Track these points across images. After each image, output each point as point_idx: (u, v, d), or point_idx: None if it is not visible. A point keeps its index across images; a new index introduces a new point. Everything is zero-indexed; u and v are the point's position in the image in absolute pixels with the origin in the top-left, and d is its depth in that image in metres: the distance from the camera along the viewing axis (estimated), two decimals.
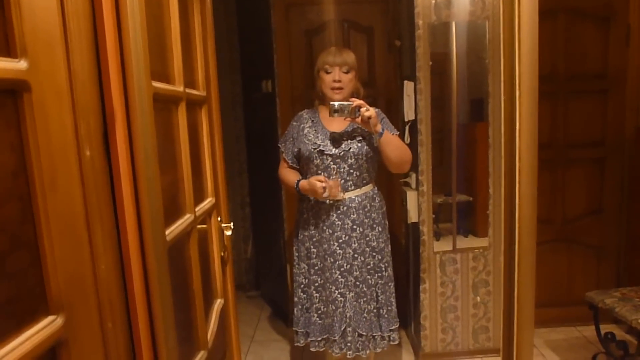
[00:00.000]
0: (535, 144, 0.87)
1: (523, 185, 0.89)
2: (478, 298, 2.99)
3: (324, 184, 2.22)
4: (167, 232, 1.17)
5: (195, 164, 1.53)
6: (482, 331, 3.03)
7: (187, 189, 1.40)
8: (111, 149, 0.88)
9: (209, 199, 1.68)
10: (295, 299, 2.49)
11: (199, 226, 1.53)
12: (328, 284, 2.35)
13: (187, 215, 1.39)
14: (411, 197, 2.93)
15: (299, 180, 2.37)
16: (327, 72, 2.30)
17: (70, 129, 0.76)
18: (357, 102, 2.15)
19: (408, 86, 2.89)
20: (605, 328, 2.78)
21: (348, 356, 2.36)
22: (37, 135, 0.68)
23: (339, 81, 2.29)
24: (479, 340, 3.04)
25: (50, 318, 0.72)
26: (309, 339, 2.42)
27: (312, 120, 2.41)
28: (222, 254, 1.81)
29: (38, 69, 0.69)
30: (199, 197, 1.55)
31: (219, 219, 1.78)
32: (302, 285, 2.47)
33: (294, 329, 2.50)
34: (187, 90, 1.41)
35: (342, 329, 2.33)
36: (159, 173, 1.06)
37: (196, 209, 1.47)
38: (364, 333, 2.34)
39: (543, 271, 3.28)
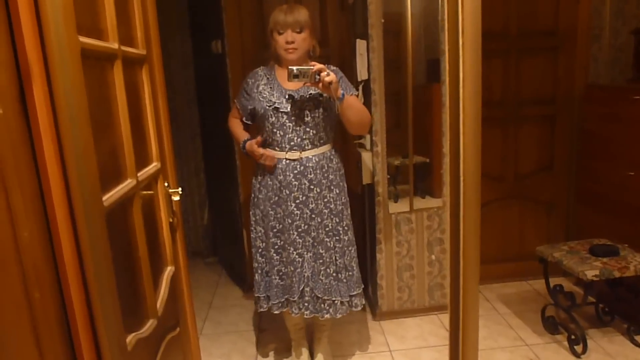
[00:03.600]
0: (478, 92, 0.85)
1: (467, 136, 0.87)
2: (433, 256, 3.04)
3: (261, 151, 2.29)
4: (104, 198, 1.11)
5: (137, 126, 1.46)
6: (437, 288, 3.10)
7: (127, 153, 1.33)
8: (29, 108, 0.81)
9: (153, 164, 1.61)
10: (255, 264, 2.47)
11: (144, 192, 1.47)
12: (287, 245, 2.33)
13: (129, 180, 1.33)
14: (366, 158, 2.92)
15: (245, 140, 2.37)
16: (280, 33, 2.23)
17: None
18: (317, 66, 2.09)
19: (360, 45, 2.84)
20: (554, 281, 2.89)
21: (305, 316, 2.36)
22: None
23: (292, 42, 2.22)
24: (435, 297, 3.11)
25: None
26: (271, 303, 2.40)
27: (268, 78, 2.35)
28: (171, 220, 1.75)
29: None
30: (142, 162, 1.48)
31: (166, 184, 1.72)
32: (260, 250, 2.44)
33: (255, 295, 2.48)
34: (124, 48, 1.33)
35: (300, 289, 2.33)
36: (89, 133, 0.99)
37: (139, 174, 1.41)
38: (320, 295, 2.35)
39: (496, 228, 3.36)
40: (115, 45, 1.27)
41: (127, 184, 1.31)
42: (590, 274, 2.44)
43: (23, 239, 0.79)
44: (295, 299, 2.33)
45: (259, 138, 2.33)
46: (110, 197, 1.15)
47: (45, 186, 0.85)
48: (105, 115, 1.22)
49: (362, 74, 2.85)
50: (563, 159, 3.40)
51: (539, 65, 3.27)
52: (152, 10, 1.69)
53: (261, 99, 2.29)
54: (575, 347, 2.61)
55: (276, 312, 2.41)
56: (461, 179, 0.90)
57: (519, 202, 3.42)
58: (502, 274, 3.43)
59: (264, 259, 2.44)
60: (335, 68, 2.32)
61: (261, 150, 2.29)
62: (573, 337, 2.62)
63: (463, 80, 0.84)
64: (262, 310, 2.46)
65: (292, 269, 2.33)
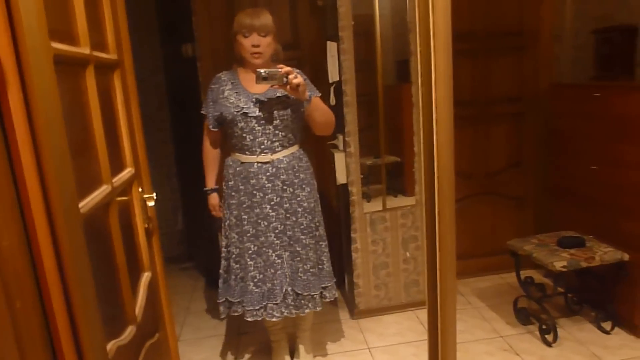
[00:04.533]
0: (450, 92, 0.88)
1: (440, 135, 0.90)
2: (408, 253, 3.09)
3: (214, 213, 2.58)
4: (81, 204, 1.10)
5: (111, 132, 1.45)
6: (413, 285, 3.14)
7: (102, 159, 1.33)
8: (4, 115, 0.80)
9: (128, 169, 1.60)
10: (221, 270, 2.47)
11: (119, 198, 1.46)
12: (264, 249, 2.33)
13: (104, 187, 1.32)
14: (339, 158, 2.94)
15: (212, 190, 2.57)
16: (245, 37, 2.23)
17: None
18: (285, 69, 2.10)
19: (331, 47, 2.87)
20: (526, 273, 2.96)
21: (293, 315, 2.38)
22: None
23: (258, 46, 2.23)
24: (411, 293, 3.15)
25: None
26: (246, 309, 2.38)
27: (232, 83, 2.35)
28: (147, 225, 1.74)
29: None
30: (116, 167, 1.47)
31: (140, 189, 1.71)
32: (233, 256, 2.43)
33: (226, 300, 2.46)
34: (95, 53, 1.32)
35: (284, 291, 2.33)
36: (66, 140, 0.99)
37: (114, 180, 1.40)
38: (300, 292, 2.36)
39: (468, 224, 3.42)
40: (87, 51, 1.27)
41: (103, 190, 1.30)
42: (559, 265, 2.52)
43: (3, 248, 0.78)
44: (278, 302, 2.33)
45: (219, 205, 2.55)
46: (86, 203, 1.15)
47: (22, 194, 0.84)
48: (79, 120, 1.21)
49: (333, 75, 2.88)
50: (531, 156, 3.49)
51: (506, 65, 3.36)
52: (122, 15, 1.68)
53: (228, 104, 2.29)
54: (546, 336, 2.68)
55: (250, 319, 2.36)
56: (435, 176, 0.93)
57: (490, 198, 3.50)
58: (475, 269, 3.50)
59: (238, 265, 2.42)
60: (298, 71, 2.33)
61: (215, 214, 2.58)
62: (544, 326, 2.70)
63: (436, 82, 0.87)
64: (236, 314, 2.44)
65: (273, 271, 2.33)
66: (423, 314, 3.11)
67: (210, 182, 2.55)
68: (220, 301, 2.49)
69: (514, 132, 3.47)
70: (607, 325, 2.76)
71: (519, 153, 3.50)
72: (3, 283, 0.78)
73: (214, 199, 2.55)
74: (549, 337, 2.67)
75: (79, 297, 0.98)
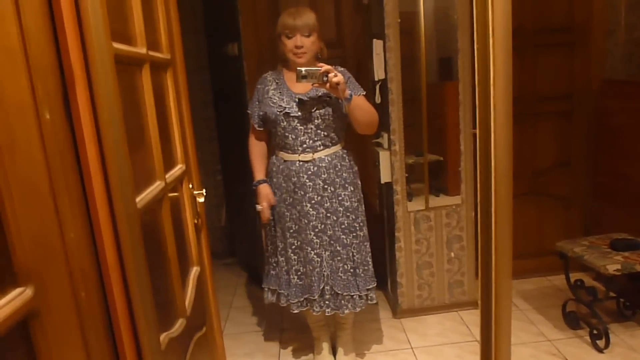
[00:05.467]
0: (509, 91, 0.86)
1: (498, 134, 0.89)
2: (452, 253, 3.05)
3: (264, 205, 2.44)
4: (137, 199, 1.13)
5: (163, 129, 1.49)
6: (457, 285, 3.10)
7: (156, 155, 1.36)
8: (73, 112, 0.83)
9: (179, 166, 1.64)
10: (270, 259, 2.51)
11: (171, 194, 1.50)
12: (304, 245, 2.35)
13: (158, 182, 1.36)
14: (383, 157, 2.93)
15: (260, 181, 2.47)
16: (288, 37, 2.25)
17: (26, 90, 0.71)
18: (325, 67, 2.11)
19: (377, 44, 2.85)
20: (574, 276, 2.88)
21: (327, 314, 2.39)
22: None
23: (301, 46, 2.24)
24: (454, 294, 3.11)
25: (19, 290, 0.69)
26: (291, 301, 2.42)
27: (277, 83, 2.37)
28: (196, 221, 1.78)
29: None
30: (168, 164, 1.51)
31: (190, 186, 1.74)
32: (279, 249, 2.47)
33: (262, 286, 2.51)
34: (151, 53, 1.36)
35: (321, 288, 2.35)
36: (125, 136, 1.02)
37: (166, 176, 1.43)
38: (340, 292, 2.37)
39: (514, 224, 3.33)
40: (144, 50, 1.30)
41: (157, 186, 1.33)
42: (612, 268, 2.43)
43: (70, 240, 0.81)
44: (316, 297, 2.36)
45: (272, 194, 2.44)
46: (142, 198, 1.18)
47: (88, 189, 0.87)
48: (135, 118, 1.24)
49: (379, 73, 2.86)
50: (580, 155, 3.39)
51: (555, 61, 3.26)
52: (175, 16, 1.72)
53: (271, 104, 2.32)
54: (597, 341, 2.60)
55: (295, 311, 2.43)
56: (493, 177, 0.91)
57: (537, 198, 3.41)
58: (521, 270, 3.42)
59: (283, 259, 2.46)
60: (342, 69, 2.33)
61: (264, 204, 2.44)
62: (595, 331, 2.61)
63: (494, 79, 0.85)
64: (283, 304, 2.47)
65: (311, 268, 2.35)
66: (467, 315, 3.07)
67: (260, 174, 2.49)
68: (265, 288, 2.52)
69: (563, 130, 3.37)
70: None
71: (567, 152, 3.40)
72: (69, 274, 0.81)
73: (265, 188, 2.44)
74: (600, 343, 2.59)
75: (137, 290, 1.01)
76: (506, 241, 0.93)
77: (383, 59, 2.80)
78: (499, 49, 0.86)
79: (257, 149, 2.52)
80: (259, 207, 2.46)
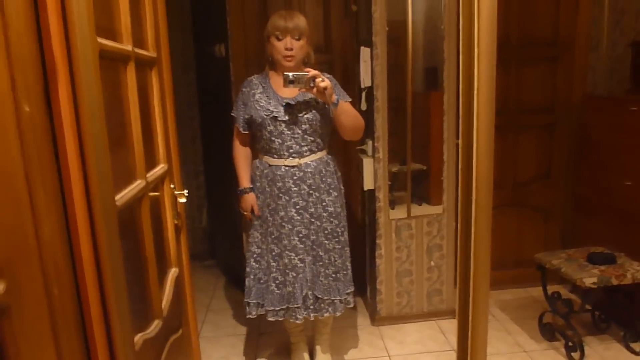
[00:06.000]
0: (492, 102, 0.87)
1: (480, 143, 0.89)
2: (432, 262, 3.06)
3: (247, 212, 2.45)
4: (117, 197, 1.12)
5: (146, 128, 1.47)
6: (435, 294, 3.11)
7: (138, 154, 1.35)
8: (53, 106, 0.82)
9: (161, 165, 1.62)
10: (247, 269, 2.46)
11: (151, 193, 1.48)
12: (287, 252, 2.33)
13: (138, 181, 1.34)
14: (367, 164, 2.94)
15: (245, 190, 2.45)
16: (279, 39, 2.24)
17: (5, 80, 0.70)
18: (312, 72, 2.11)
19: (364, 52, 2.86)
20: (551, 288, 2.90)
21: (311, 318, 2.38)
22: None
23: (291, 49, 2.23)
24: (433, 302, 3.12)
25: None
26: (267, 309, 2.39)
27: (263, 86, 2.36)
28: (176, 222, 1.76)
29: None
30: (150, 163, 1.50)
31: (172, 186, 1.73)
32: (254, 255, 2.44)
33: (245, 300, 2.47)
34: (136, 50, 1.35)
35: (304, 294, 2.33)
36: (106, 133, 1.01)
37: (147, 175, 1.42)
38: (320, 296, 2.36)
39: (493, 235, 3.31)
40: (129, 47, 1.29)
41: (137, 185, 1.32)
42: (589, 281, 2.46)
43: (44, 235, 0.80)
44: (299, 304, 2.33)
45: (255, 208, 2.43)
46: (122, 197, 1.16)
47: (66, 184, 0.86)
48: (118, 115, 1.23)
49: (365, 81, 2.88)
50: (561, 167, 3.43)
51: (539, 75, 3.31)
52: (162, 14, 1.71)
53: (258, 108, 2.30)
54: (572, 353, 2.63)
55: (271, 319, 2.39)
56: (474, 186, 0.92)
57: (517, 209, 3.45)
58: (499, 281, 3.44)
59: (258, 265, 2.43)
60: (329, 76, 2.33)
61: (247, 212, 2.44)
62: (570, 344, 2.64)
63: (478, 90, 0.86)
64: (250, 316, 2.44)
65: (294, 274, 2.34)
66: (445, 323, 3.08)
67: (245, 182, 2.46)
68: (248, 302, 2.48)
69: (544, 143, 3.41)
70: (636, 346, 2.69)
71: (548, 164, 3.44)
72: (42, 270, 0.80)
73: (251, 198, 2.42)
74: (575, 355, 2.61)
75: (112, 288, 1.00)
76: (484, 250, 0.94)
77: (370, 66, 2.82)
78: (484, 61, 0.87)
79: (241, 154, 2.49)
80: (245, 213, 2.47)
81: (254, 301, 2.43)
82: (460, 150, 0.97)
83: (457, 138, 2.82)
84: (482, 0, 0.93)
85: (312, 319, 2.39)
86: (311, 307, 2.36)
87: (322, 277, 2.37)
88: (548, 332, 2.84)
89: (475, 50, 0.90)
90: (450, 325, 3.07)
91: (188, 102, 3.96)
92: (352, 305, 2.51)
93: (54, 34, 0.80)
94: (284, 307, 2.37)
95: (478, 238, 0.94)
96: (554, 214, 3.49)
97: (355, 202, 3.37)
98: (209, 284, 3.79)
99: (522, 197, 3.45)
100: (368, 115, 2.85)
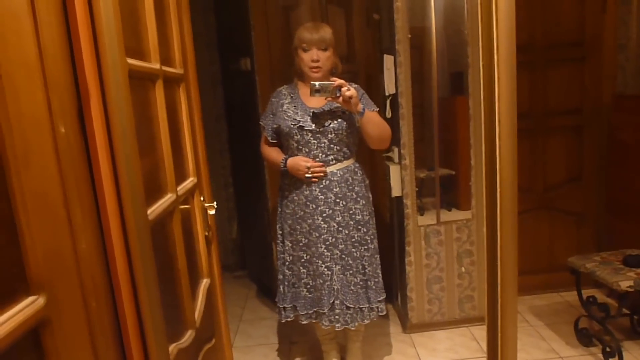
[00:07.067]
0: (514, 108, 0.87)
1: (503, 149, 0.90)
2: (463, 268, 3.03)
3: (308, 164, 2.29)
4: (149, 211, 1.16)
5: (175, 143, 1.51)
6: (467, 300, 3.08)
7: (168, 168, 1.38)
8: (87, 126, 0.86)
9: (190, 179, 1.66)
10: (280, 276, 2.50)
11: (182, 206, 1.52)
12: (314, 259, 2.36)
13: (169, 195, 1.38)
14: (394, 171, 2.94)
15: (285, 158, 2.38)
16: (305, 51, 2.28)
17: (42, 104, 0.74)
18: (338, 82, 2.14)
19: (388, 60, 2.88)
20: (586, 292, 2.85)
21: (336, 329, 2.38)
22: (7, 110, 0.66)
23: (317, 60, 2.27)
24: (465, 309, 3.09)
25: (31, 298, 0.70)
26: (300, 313, 2.43)
27: (291, 97, 2.40)
28: (207, 233, 1.80)
29: (6, 42, 0.67)
30: (180, 177, 1.53)
31: (201, 198, 1.77)
32: (287, 263, 2.47)
33: (279, 306, 2.51)
34: (164, 68, 1.39)
35: (331, 302, 2.35)
36: (137, 150, 1.04)
37: (178, 189, 1.45)
38: (351, 305, 2.37)
39: (525, 239, 3.33)
40: (157, 66, 1.33)
41: (168, 198, 1.36)
42: (625, 284, 2.41)
43: (81, 250, 0.83)
44: (325, 311, 2.35)
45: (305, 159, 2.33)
46: (153, 210, 1.20)
47: (100, 200, 0.89)
48: (148, 132, 1.27)
49: (389, 88, 2.89)
50: (592, 170, 3.37)
51: (566, 76, 3.26)
52: (188, 31, 1.76)
53: (286, 117, 2.34)
54: (610, 359, 2.56)
55: (304, 322, 2.44)
56: (498, 191, 0.92)
57: (548, 213, 3.39)
58: (532, 286, 3.39)
59: (290, 272, 2.47)
60: (356, 85, 2.36)
61: (309, 163, 2.29)
62: (608, 349, 2.58)
63: (499, 96, 0.87)
64: (287, 319, 2.49)
65: (321, 281, 2.36)
66: (477, 330, 3.04)
67: (279, 157, 2.41)
68: (280, 307, 2.52)
69: (574, 145, 3.36)
70: None
71: (578, 167, 3.38)
72: (81, 284, 0.83)
73: (293, 159, 2.34)
74: None
75: (146, 300, 1.03)
76: (511, 254, 0.94)
77: (393, 73, 2.83)
78: (504, 66, 0.87)
79: (270, 147, 2.50)
80: (307, 174, 2.31)
81: (289, 305, 2.47)
82: (483, 155, 0.98)
83: None
84: (500, 7, 0.94)
85: (339, 329, 2.39)
86: (339, 316, 2.35)
87: (352, 286, 2.38)
88: (584, 338, 2.78)
89: (495, 57, 0.90)
90: (483, 332, 3.03)
91: (216, 115, 4.03)
92: (384, 313, 2.51)
93: (86, 58, 0.84)
94: (315, 309, 2.41)
95: (504, 243, 0.94)
96: (586, 217, 3.42)
97: (384, 210, 3.37)
98: (240, 295, 3.83)
99: (553, 200, 3.39)
100: (393, 123, 2.86)
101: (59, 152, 0.77)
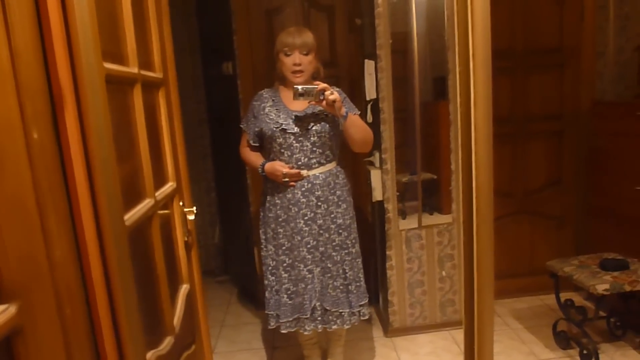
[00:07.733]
0: (489, 113, 0.88)
1: (479, 154, 0.91)
2: (444, 272, 3.05)
3: (284, 171, 2.30)
4: (126, 217, 1.14)
5: (154, 147, 1.50)
6: (449, 304, 3.10)
7: (146, 173, 1.37)
8: (61, 131, 0.85)
9: (169, 184, 1.65)
10: (266, 282, 2.49)
11: (161, 211, 1.51)
12: (297, 263, 2.36)
13: (147, 200, 1.36)
14: (375, 175, 2.95)
15: (263, 163, 2.39)
16: (287, 55, 2.28)
17: (14, 109, 0.73)
18: (321, 85, 2.15)
19: (369, 65, 2.89)
20: (565, 296, 2.88)
21: (318, 330, 2.38)
22: None
23: (299, 64, 2.27)
24: (446, 313, 3.11)
25: (2, 307, 0.69)
26: (280, 321, 2.41)
27: (273, 100, 2.40)
28: (186, 238, 1.78)
29: None
30: (159, 182, 1.52)
31: (181, 203, 1.75)
32: (270, 268, 2.47)
33: (266, 312, 2.49)
34: (143, 72, 1.38)
35: (312, 305, 2.34)
36: (114, 155, 1.04)
37: (156, 194, 1.44)
38: (329, 308, 2.37)
39: (506, 243, 3.37)
40: (135, 70, 1.32)
41: (146, 204, 1.34)
42: (601, 288, 2.44)
43: (55, 257, 0.82)
44: (308, 315, 2.35)
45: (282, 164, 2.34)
46: (131, 216, 1.19)
47: (74, 207, 0.88)
48: (126, 137, 1.26)
49: (370, 93, 2.90)
50: (571, 174, 3.42)
51: (546, 82, 3.31)
52: (168, 35, 1.75)
53: (268, 120, 2.34)
54: None
55: (283, 331, 2.41)
56: (474, 195, 0.93)
57: (528, 217, 3.44)
58: (513, 289, 3.43)
59: (274, 277, 2.46)
60: (338, 89, 2.37)
61: (285, 169, 2.30)
62: (585, 351, 2.61)
63: (475, 101, 0.88)
64: (271, 327, 2.48)
65: (303, 285, 2.35)
66: (458, 334, 3.06)
67: (258, 161, 2.43)
68: (268, 313, 2.50)
69: (554, 150, 3.41)
70: None
71: (558, 172, 3.43)
72: (55, 291, 0.82)
73: (270, 164, 2.35)
74: None
75: (123, 307, 1.02)
76: (487, 258, 0.94)
77: (375, 78, 2.84)
78: (480, 72, 0.89)
79: (250, 152, 2.50)
80: (285, 178, 2.32)
81: (273, 312, 2.46)
82: (460, 160, 0.99)
83: None
84: (475, 14, 0.95)
85: (320, 330, 2.40)
86: (319, 318, 2.36)
87: (330, 289, 2.38)
88: (563, 340, 2.82)
89: (471, 63, 0.91)
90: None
91: (198, 120, 4.01)
92: (367, 317, 2.51)
93: (59, 62, 0.83)
94: (295, 317, 2.39)
95: (481, 246, 0.95)
96: (566, 221, 3.47)
97: (366, 214, 3.38)
98: (223, 300, 3.80)
99: (533, 204, 3.43)
100: (375, 127, 2.87)
101: (32, 157, 0.76)
